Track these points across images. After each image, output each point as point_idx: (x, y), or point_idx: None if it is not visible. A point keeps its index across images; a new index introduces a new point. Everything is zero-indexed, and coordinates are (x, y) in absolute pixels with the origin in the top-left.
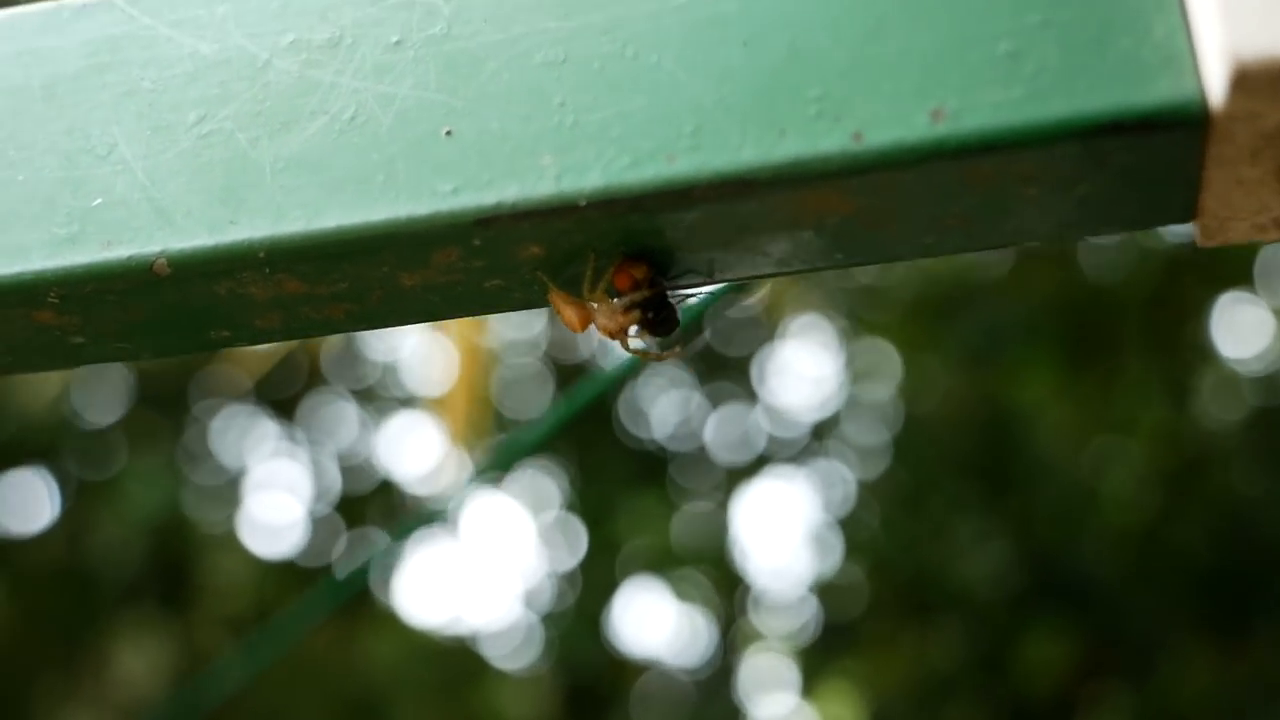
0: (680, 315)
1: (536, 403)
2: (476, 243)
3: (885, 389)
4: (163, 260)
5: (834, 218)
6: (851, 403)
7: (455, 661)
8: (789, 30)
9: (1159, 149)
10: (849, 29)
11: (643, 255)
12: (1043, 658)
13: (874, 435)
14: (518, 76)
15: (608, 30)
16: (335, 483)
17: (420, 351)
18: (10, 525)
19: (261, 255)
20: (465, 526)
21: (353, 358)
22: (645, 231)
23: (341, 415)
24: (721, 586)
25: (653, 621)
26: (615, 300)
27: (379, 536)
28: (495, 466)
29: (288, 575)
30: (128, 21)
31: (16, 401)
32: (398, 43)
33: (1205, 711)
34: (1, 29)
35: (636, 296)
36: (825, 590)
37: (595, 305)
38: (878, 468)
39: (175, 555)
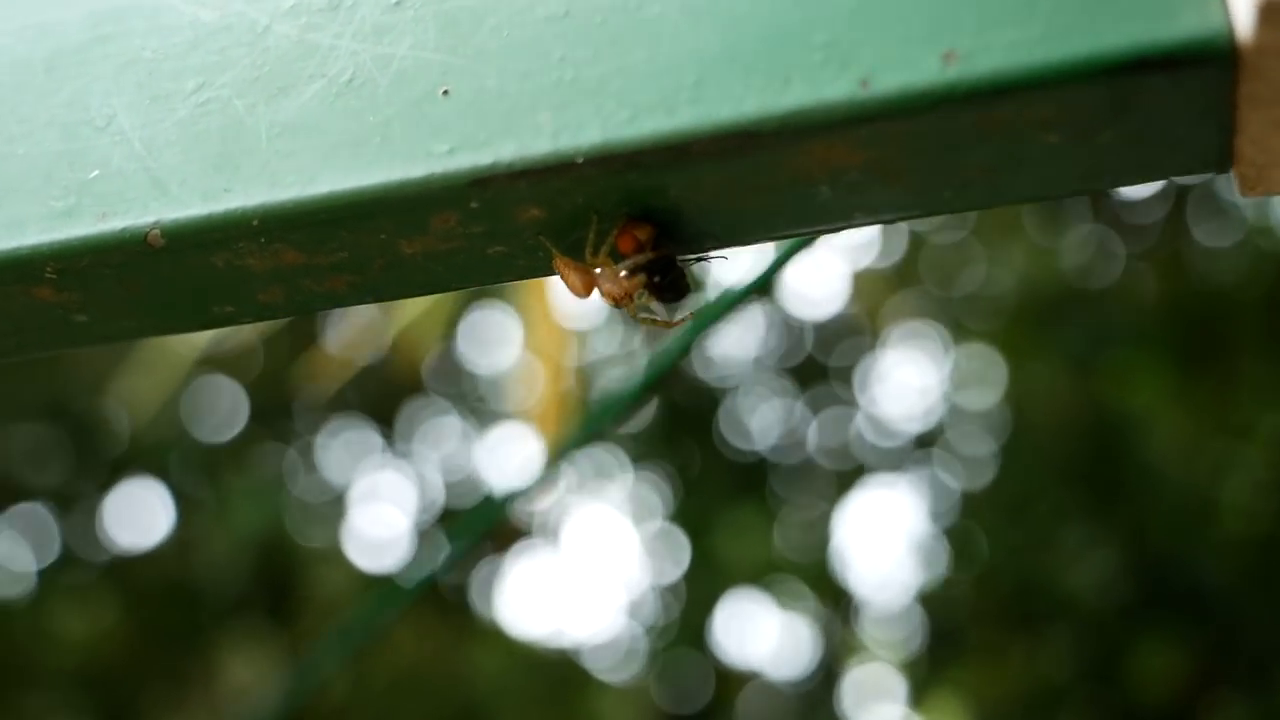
0: (690, 280)
1: (639, 415)
2: (474, 205)
3: (989, 396)
4: (156, 231)
5: (845, 171)
6: (955, 410)
7: (559, 673)
8: None
9: (1185, 89)
10: None
11: (648, 216)
12: (1156, 668)
13: (979, 443)
14: (518, 32)
15: None
16: (438, 495)
17: (514, 363)
18: (125, 539)
19: (255, 223)
20: (569, 538)
21: (454, 370)
22: (647, 190)
23: (444, 427)
24: (825, 596)
25: (756, 632)
26: (619, 264)
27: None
28: (578, 442)
29: (388, 587)
30: None
31: (128, 415)
32: (397, 3)
33: None
34: (7, 3)
35: (640, 259)
36: (930, 599)
37: (599, 270)
38: (983, 475)
39: (281, 568)
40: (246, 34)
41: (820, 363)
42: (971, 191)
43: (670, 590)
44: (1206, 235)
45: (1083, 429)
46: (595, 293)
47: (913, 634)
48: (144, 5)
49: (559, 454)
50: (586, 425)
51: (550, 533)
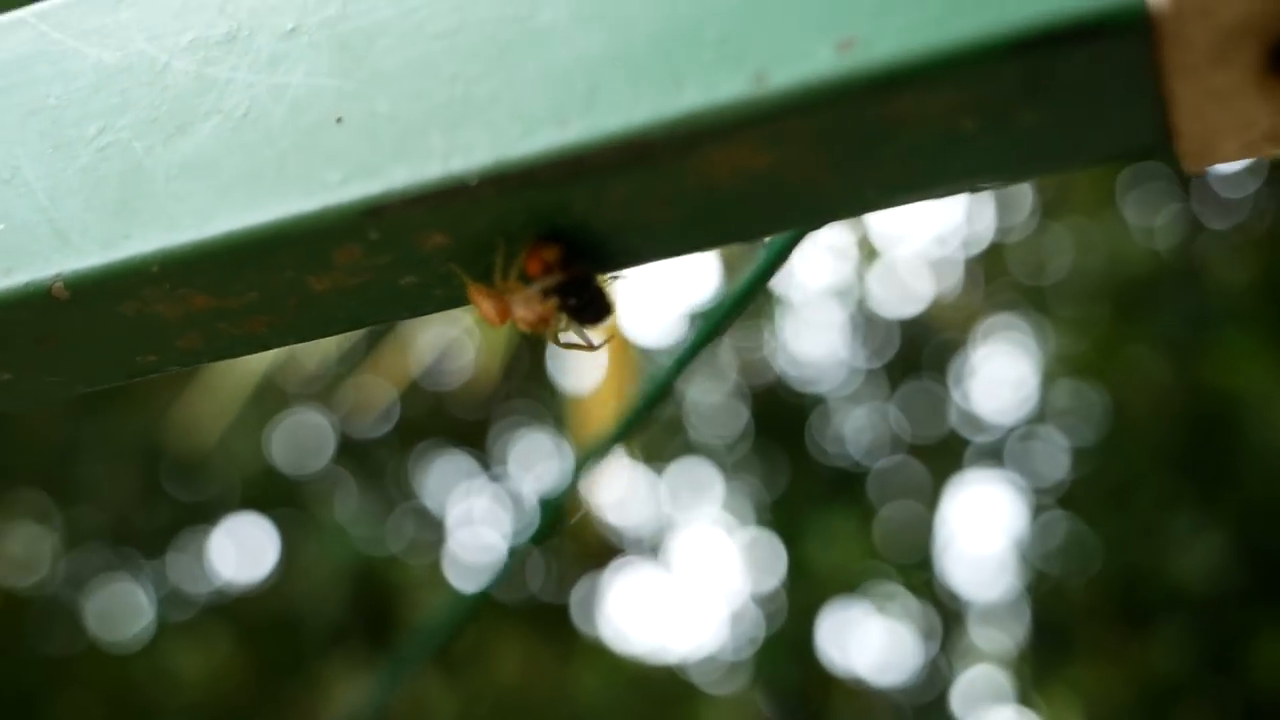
0: (610, 300)
1: (729, 426)
2: (373, 236)
3: (1086, 385)
4: (60, 283)
5: (754, 174)
6: (1051, 400)
7: (663, 686)
8: None
9: (1101, 62)
10: None
11: (556, 235)
12: (1276, 655)
13: (1077, 433)
14: (410, 51)
15: None
16: (532, 516)
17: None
18: (230, 575)
19: (156, 269)
20: (667, 552)
21: (545, 390)
22: (550, 207)
23: (533, 444)
24: (928, 599)
25: (860, 638)
26: (530, 288)
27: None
28: (630, 424)
29: (490, 609)
30: (39, 38)
31: (228, 453)
32: (293, 30)
33: None
34: None
35: (550, 281)
36: (1037, 596)
37: (512, 295)
38: (1083, 466)
39: (380, 595)
40: (146, 73)
41: (911, 359)
42: (895, 189)
43: (770, 599)
44: None
45: (1184, 413)
46: (504, 316)
47: (1020, 632)
48: (49, 51)
49: (595, 453)
50: (616, 431)
51: (647, 548)
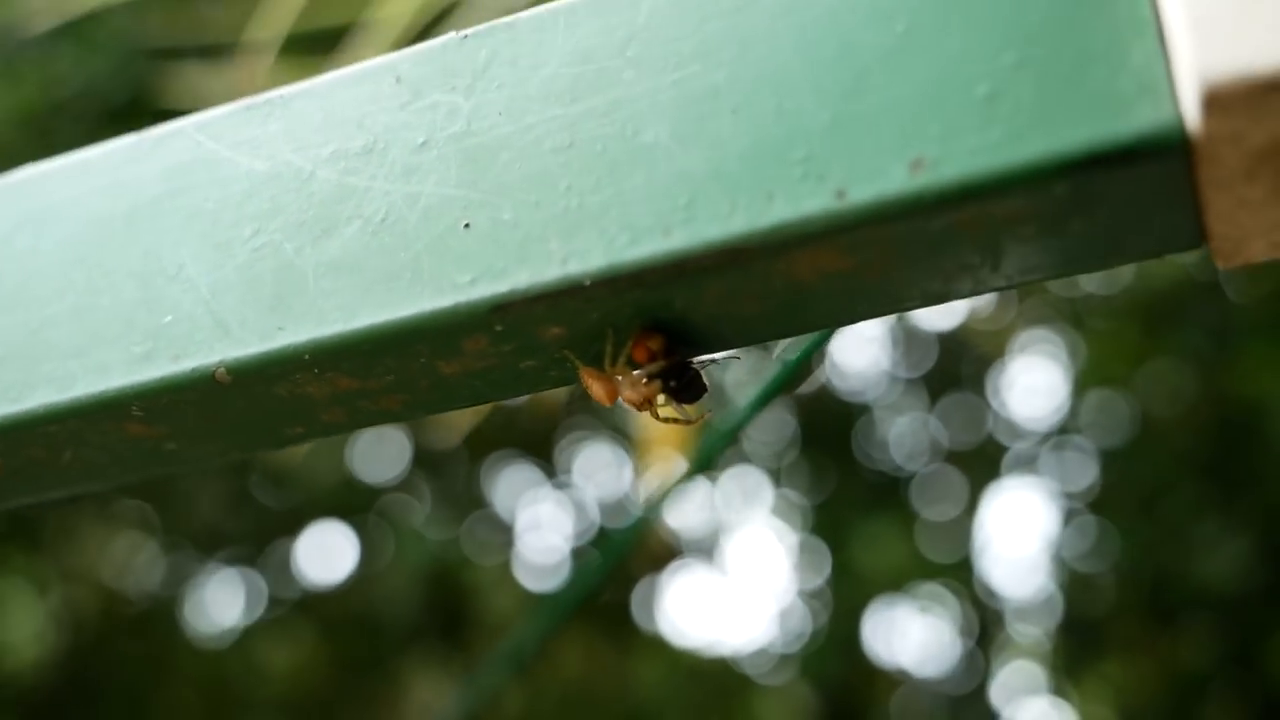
0: (706, 381)
1: (778, 434)
2: (499, 328)
3: (1115, 395)
4: (223, 369)
5: (835, 274)
6: (1082, 409)
7: (718, 679)
8: (775, 94)
9: (1145, 178)
10: (831, 87)
11: (658, 326)
12: None
13: (1107, 440)
14: (529, 165)
15: (608, 112)
16: (594, 517)
17: None
18: (315, 576)
19: (307, 357)
20: (720, 554)
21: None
22: (654, 304)
23: (595, 455)
24: (967, 597)
25: (903, 634)
26: (636, 372)
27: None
28: (700, 465)
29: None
30: (196, 148)
31: (308, 466)
32: (423, 144)
33: None
34: (96, 162)
35: (653, 368)
36: (1070, 595)
37: (620, 378)
38: (1113, 472)
39: (454, 596)
40: (293, 181)
41: (950, 371)
42: (961, 282)
43: (818, 597)
44: None
45: (1209, 421)
46: (614, 396)
47: (1055, 629)
48: (206, 159)
49: (673, 485)
50: (695, 463)
51: (703, 550)
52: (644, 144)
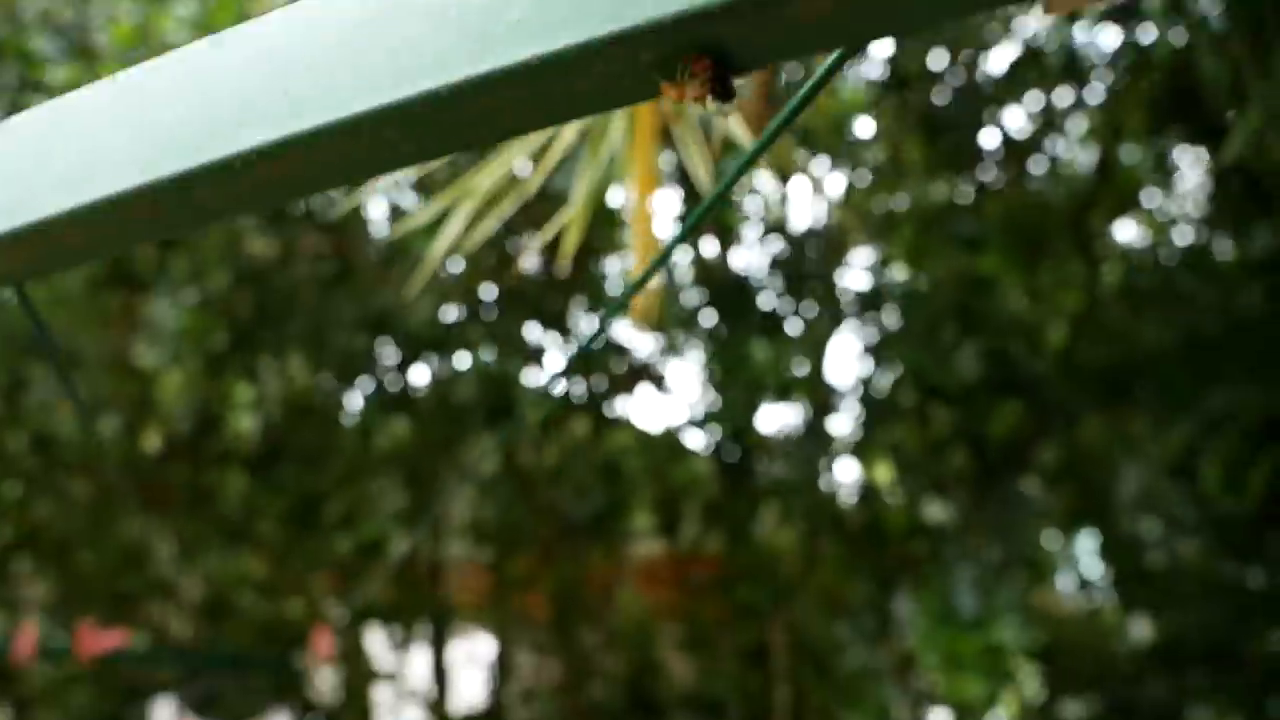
0: (735, 89)
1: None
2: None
3: (906, 275)
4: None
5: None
6: (888, 284)
7: (663, 446)
8: None
9: None
10: None
11: (707, 51)
12: (1004, 422)
13: (903, 303)
14: None
15: None
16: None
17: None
18: (413, 380)
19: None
20: (662, 378)
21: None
22: (707, 37)
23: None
24: (815, 396)
25: (772, 418)
26: (693, 80)
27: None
28: (656, 266)
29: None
30: None
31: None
32: None
33: None
34: None
35: (704, 77)
36: (868, 389)
37: (683, 86)
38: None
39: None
40: None
41: (811, 260)
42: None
43: (724, 394)
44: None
45: (961, 284)
46: (683, 98)
47: (859, 410)
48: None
49: (644, 278)
50: (662, 255)
51: (653, 377)
52: None
